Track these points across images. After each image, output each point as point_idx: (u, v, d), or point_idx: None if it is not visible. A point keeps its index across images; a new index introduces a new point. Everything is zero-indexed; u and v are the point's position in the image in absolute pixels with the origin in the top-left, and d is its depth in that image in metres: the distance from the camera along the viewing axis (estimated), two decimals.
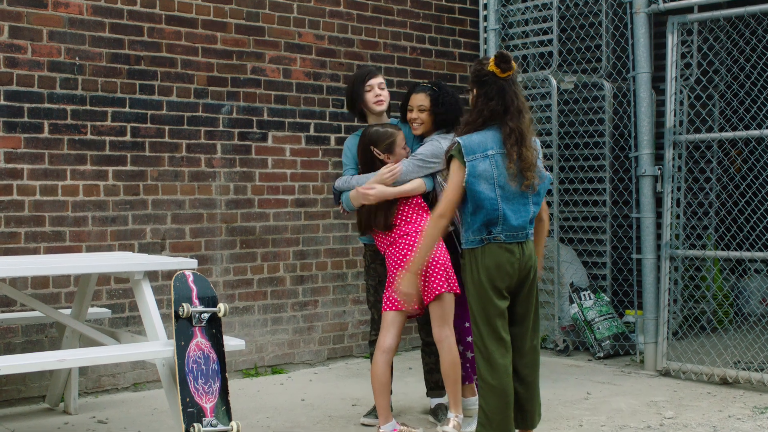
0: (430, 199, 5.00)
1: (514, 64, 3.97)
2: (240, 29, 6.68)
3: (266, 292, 6.81)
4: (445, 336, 4.80)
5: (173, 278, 4.49)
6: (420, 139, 5.15)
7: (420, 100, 5.13)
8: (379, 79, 5.19)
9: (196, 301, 4.48)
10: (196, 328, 4.43)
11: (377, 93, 5.16)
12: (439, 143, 5.00)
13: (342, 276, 7.22)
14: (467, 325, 5.18)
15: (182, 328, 4.40)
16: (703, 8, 6.49)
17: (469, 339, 5.22)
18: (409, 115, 5.16)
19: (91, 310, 5.63)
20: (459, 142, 4.05)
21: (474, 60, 7.91)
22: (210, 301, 4.52)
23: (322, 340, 7.10)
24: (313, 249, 7.06)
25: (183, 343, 4.38)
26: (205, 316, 4.47)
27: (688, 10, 6.51)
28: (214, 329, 4.49)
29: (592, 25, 7.47)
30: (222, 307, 4.48)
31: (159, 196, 6.30)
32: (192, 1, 6.46)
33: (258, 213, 6.76)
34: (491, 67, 3.97)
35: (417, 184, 4.90)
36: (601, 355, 7.15)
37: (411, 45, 7.63)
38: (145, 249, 6.22)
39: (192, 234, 6.46)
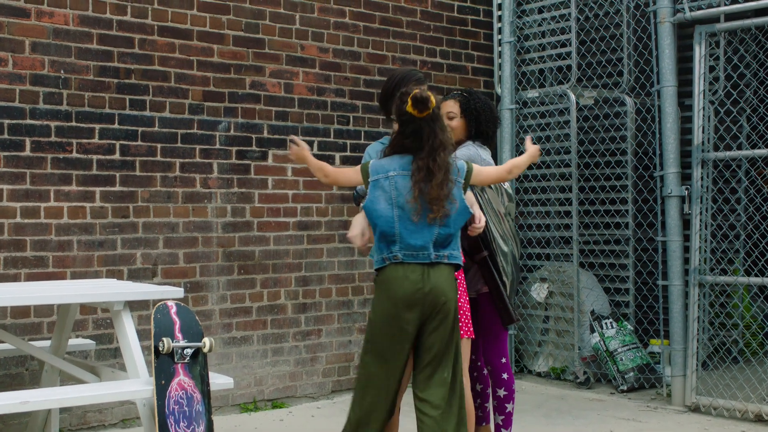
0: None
1: (432, 102, 3.78)
2: (238, 41, 6.29)
3: (266, 320, 6.38)
4: None
5: (154, 309, 4.07)
6: None
7: (449, 106, 4.72)
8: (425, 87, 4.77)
9: (179, 335, 4.06)
10: (179, 365, 4.01)
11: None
12: (476, 149, 4.62)
13: (347, 303, 6.79)
14: (503, 360, 4.77)
15: (163, 365, 3.97)
16: (730, 17, 6.06)
17: (504, 376, 4.78)
18: None
19: (74, 341, 5.22)
20: (369, 165, 3.94)
21: (486, 74, 7.49)
22: (194, 334, 4.09)
23: (326, 371, 6.66)
24: (316, 275, 6.63)
25: (164, 381, 3.95)
26: (189, 351, 4.05)
27: (716, 19, 6.09)
28: (198, 366, 4.06)
29: (613, 36, 7.05)
30: (207, 342, 4.06)
31: (150, 218, 5.89)
32: (186, 11, 6.08)
33: (257, 236, 6.34)
34: (408, 107, 3.77)
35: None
36: (625, 388, 6.68)
37: (421, 59, 7.22)
38: (135, 275, 5.81)
39: (186, 259, 6.04)
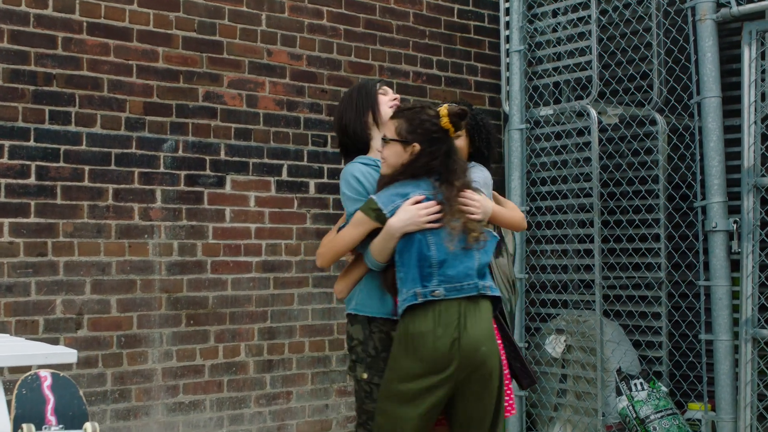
0: None
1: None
2: (190, 44, 5.22)
3: (222, 382, 5.25)
4: None
5: (18, 383, 2.94)
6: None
7: None
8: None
9: (52, 419, 2.94)
10: None
11: (393, 97, 3.71)
12: (483, 171, 3.86)
13: (324, 360, 5.64)
14: None
15: None
16: None
17: None
18: None
19: None
20: (374, 199, 3.41)
21: (491, 89, 6.40)
22: (75, 417, 2.97)
23: None
24: (285, 326, 5.49)
25: None
26: None
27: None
28: None
29: (642, 41, 5.93)
30: (89, 428, 2.92)
31: (75, 257, 4.80)
32: (125, 6, 5.02)
33: (211, 280, 5.23)
34: (445, 124, 3.40)
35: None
36: None
37: (414, 69, 6.12)
38: (53, 327, 4.71)
39: (120, 307, 4.94)
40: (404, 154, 3.38)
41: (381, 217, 3.35)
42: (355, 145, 3.65)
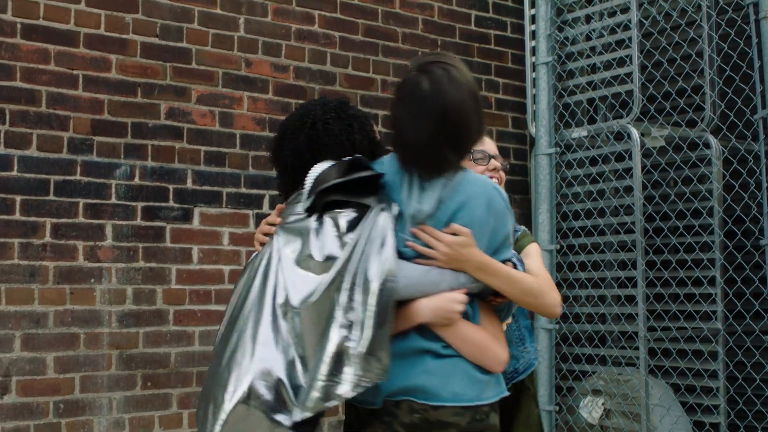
0: None
1: None
2: (150, 51, 4.40)
3: None
4: None
5: None
6: None
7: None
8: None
9: None
10: None
11: None
12: None
13: None
14: None
15: None
16: None
17: None
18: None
19: None
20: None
21: (515, 108, 5.52)
22: None
23: None
24: None
25: None
26: None
27: None
28: None
29: (693, 43, 5.00)
30: None
31: (2, 306, 3.97)
32: (70, 5, 4.22)
33: (174, 333, 4.37)
34: None
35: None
36: None
37: None
38: None
39: (59, 367, 4.09)
40: None
41: None
42: None
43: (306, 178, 2.53)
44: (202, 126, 4.53)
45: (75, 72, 4.22)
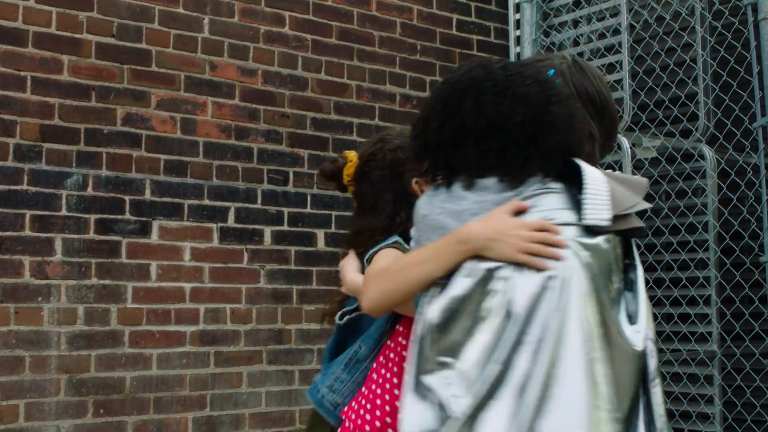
0: None
1: None
2: (105, 52, 4.08)
3: None
4: None
5: None
6: None
7: None
8: None
9: None
10: None
11: None
12: None
13: None
14: None
15: None
16: None
17: None
18: None
19: None
20: None
21: None
22: None
23: None
24: (230, 414, 4.27)
25: None
26: None
27: None
28: None
29: (687, 48, 4.72)
30: None
31: None
32: (18, 1, 3.90)
33: (130, 356, 4.03)
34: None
35: None
36: None
37: (402, 91, 4.96)
38: None
39: (1, 393, 3.76)
40: None
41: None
42: None
43: (588, 182, 1.78)
44: (162, 133, 4.21)
45: (23, 73, 3.89)
